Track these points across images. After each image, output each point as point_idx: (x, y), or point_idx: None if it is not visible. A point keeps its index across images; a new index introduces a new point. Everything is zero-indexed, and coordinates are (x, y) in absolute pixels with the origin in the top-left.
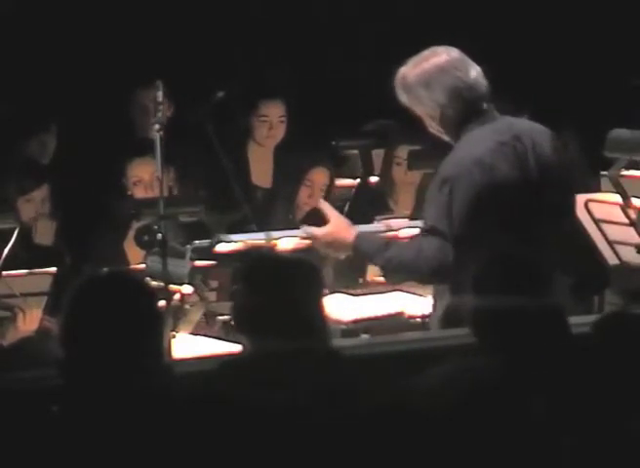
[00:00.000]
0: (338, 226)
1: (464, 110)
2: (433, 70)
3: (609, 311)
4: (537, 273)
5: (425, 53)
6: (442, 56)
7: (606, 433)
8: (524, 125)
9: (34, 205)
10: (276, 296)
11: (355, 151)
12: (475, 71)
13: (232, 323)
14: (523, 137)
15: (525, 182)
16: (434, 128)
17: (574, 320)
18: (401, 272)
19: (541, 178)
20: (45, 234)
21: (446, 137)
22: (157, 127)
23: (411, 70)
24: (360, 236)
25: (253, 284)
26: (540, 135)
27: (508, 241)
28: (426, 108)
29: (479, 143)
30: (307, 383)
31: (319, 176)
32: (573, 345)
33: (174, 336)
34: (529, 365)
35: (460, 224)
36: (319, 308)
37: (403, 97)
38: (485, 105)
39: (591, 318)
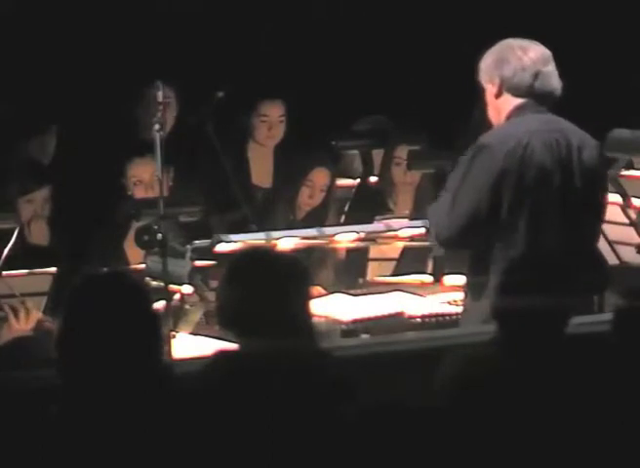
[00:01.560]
0: None
1: (524, 95)
2: (518, 50)
3: (621, 306)
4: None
5: (531, 42)
6: (536, 47)
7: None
8: (574, 128)
9: (34, 205)
10: (258, 293)
11: (355, 151)
12: (555, 73)
13: (217, 319)
14: (570, 136)
15: (560, 174)
16: (492, 107)
17: (574, 320)
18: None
19: (580, 179)
20: (40, 235)
21: (501, 119)
22: (157, 127)
23: (503, 44)
24: None
25: (235, 280)
26: (589, 141)
27: (527, 224)
28: (493, 77)
29: (523, 125)
30: (291, 382)
31: (320, 177)
32: (575, 344)
33: (174, 336)
34: (536, 361)
35: (478, 192)
36: (305, 307)
37: (482, 62)
38: (546, 103)
39: (591, 318)
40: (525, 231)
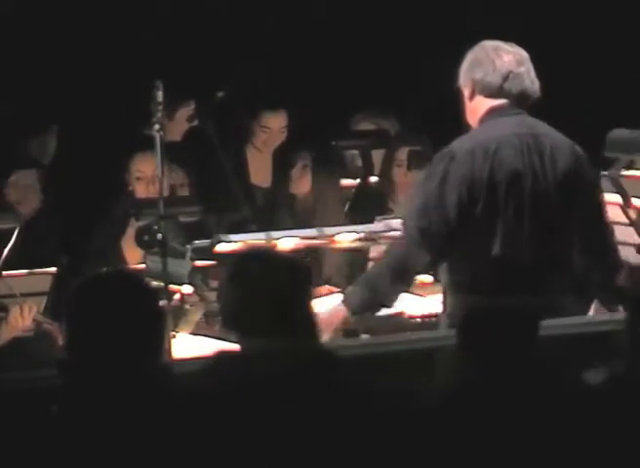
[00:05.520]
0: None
1: (496, 96)
2: (491, 52)
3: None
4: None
5: (506, 44)
6: (510, 48)
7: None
8: (548, 131)
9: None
10: (260, 294)
11: (355, 151)
12: (529, 74)
13: (220, 320)
14: (543, 140)
15: (532, 179)
16: (468, 110)
17: (574, 320)
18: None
19: (554, 182)
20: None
21: (476, 121)
22: (157, 127)
23: (478, 46)
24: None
25: (236, 281)
26: (564, 144)
27: (501, 230)
28: (466, 80)
29: (493, 130)
30: (293, 383)
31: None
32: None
33: (174, 336)
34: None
35: (453, 203)
36: (307, 307)
37: (461, 66)
38: (519, 104)
39: (591, 318)
40: (500, 236)
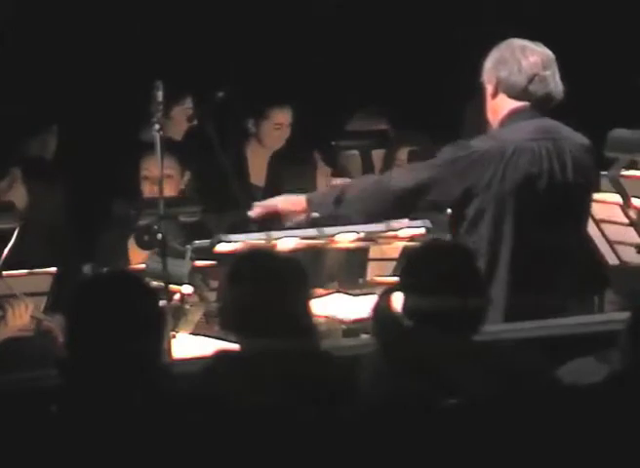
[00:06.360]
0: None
1: (519, 97)
2: (517, 51)
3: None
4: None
5: (533, 44)
6: (537, 49)
7: None
8: (568, 133)
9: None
10: (258, 294)
11: (355, 151)
12: (554, 77)
13: (219, 322)
14: (562, 142)
15: (548, 182)
16: (489, 108)
17: (574, 320)
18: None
19: (574, 185)
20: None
21: (497, 120)
22: (157, 127)
23: (505, 44)
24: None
25: (236, 282)
26: (582, 146)
27: (512, 230)
28: (490, 77)
29: (513, 133)
30: (292, 383)
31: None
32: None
33: (174, 336)
34: None
35: (443, 190)
36: (305, 308)
37: (486, 62)
38: (542, 107)
39: (591, 318)
40: (510, 237)
